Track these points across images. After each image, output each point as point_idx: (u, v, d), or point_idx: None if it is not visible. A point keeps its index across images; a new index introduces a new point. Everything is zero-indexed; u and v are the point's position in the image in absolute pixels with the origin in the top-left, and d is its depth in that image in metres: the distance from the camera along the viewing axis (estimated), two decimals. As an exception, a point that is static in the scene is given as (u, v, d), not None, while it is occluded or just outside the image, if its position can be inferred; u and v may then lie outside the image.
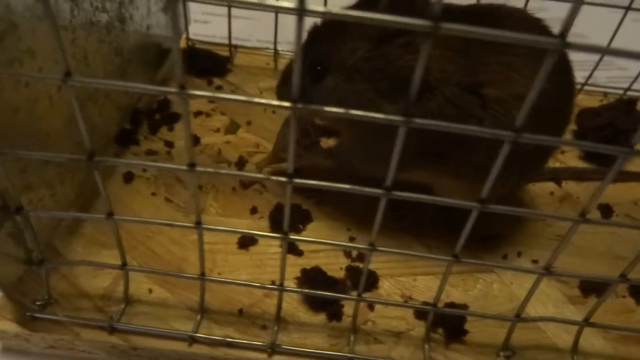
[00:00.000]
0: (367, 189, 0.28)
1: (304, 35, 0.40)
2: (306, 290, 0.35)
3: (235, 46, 0.60)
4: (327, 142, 0.49)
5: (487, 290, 0.40)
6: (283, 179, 0.27)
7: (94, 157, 0.27)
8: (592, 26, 0.52)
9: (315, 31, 0.39)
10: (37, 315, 0.34)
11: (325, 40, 0.38)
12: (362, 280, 0.33)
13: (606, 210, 0.48)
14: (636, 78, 0.58)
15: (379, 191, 0.28)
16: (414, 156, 0.34)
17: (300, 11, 0.21)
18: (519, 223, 0.45)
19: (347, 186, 0.28)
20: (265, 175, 0.28)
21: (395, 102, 0.35)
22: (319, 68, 0.38)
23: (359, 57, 0.35)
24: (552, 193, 0.49)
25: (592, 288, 0.41)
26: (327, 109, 0.24)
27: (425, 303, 0.38)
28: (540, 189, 0.49)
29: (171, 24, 0.21)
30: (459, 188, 0.40)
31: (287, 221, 0.30)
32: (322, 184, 0.28)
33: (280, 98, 0.43)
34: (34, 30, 0.31)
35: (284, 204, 0.43)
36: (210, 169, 0.28)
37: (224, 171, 0.27)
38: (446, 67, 0.35)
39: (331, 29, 0.38)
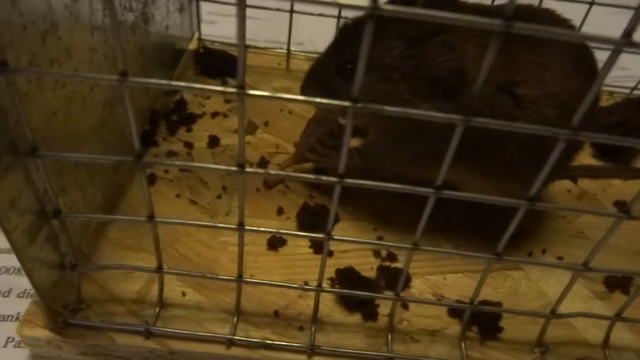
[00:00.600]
0: (418, 189, 0.28)
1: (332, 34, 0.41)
2: (345, 291, 0.34)
3: (247, 46, 0.60)
4: (351, 143, 0.49)
5: (516, 288, 0.40)
6: (333, 179, 0.27)
7: (142, 157, 0.27)
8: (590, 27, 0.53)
9: (345, 30, 0.39)
10: (70, 321, 0.33)
11: (357, 39, 0.38)
12: (402, 278, 0.33)
13: (623, 207, 0.48)
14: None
15: (429, 190, 0.28)
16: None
17: (374, 9, 0.21)
18: (541, 221, 0.46)
19: (397, 185, 0.28)
20: (315, 176, 0.27)
21: (431, 101, 0.35)
22: (348, 66, 0.38)
23: (395, 55, 0.35)
24: (569, 190, 0.50)
25: (617, 283, 0.41)
26: (388, 108, 0.24)
27: (458, 301, 0.38)
28: (558, 187, 0.50)
29: (238, 27, 0.21)
30: (487, 187, 0.40)
31: (331, 220, 0.30)
32: (371, 184, 0.28)
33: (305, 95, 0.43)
34: (71, 30, 0.30)
35: (310, 204, 0.43)
36: (260, 170, 0.27)
37: (273, 172, 0.27)
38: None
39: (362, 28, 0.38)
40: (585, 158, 0.53)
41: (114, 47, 0.36)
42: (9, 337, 0.36)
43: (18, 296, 0.38)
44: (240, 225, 0.30)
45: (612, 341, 0.37)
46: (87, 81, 0.33)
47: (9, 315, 0.37)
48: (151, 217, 0.30)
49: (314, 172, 0.46)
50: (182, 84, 0.24)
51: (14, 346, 0.35)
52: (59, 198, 0.32)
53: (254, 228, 0.31)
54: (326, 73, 0.40)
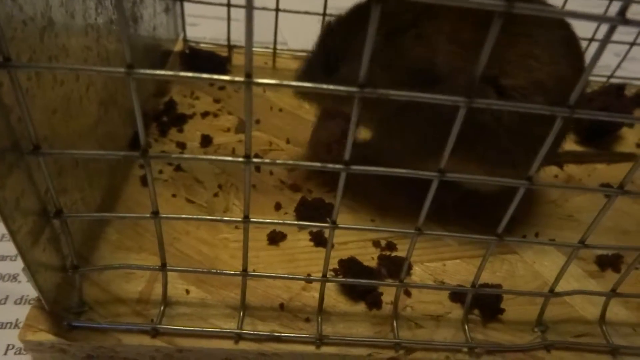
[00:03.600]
0: (421, 172, 0.28)
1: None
2: (351, 280, 0.35)
3: (233, 46, 0.60)
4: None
5: (514, 270, 0.41)
6: (340, 166, 0.27)
7: (147, 151, 0.27)
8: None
9: (329, 28, 0.40)
10: (75, 324, 0.33)
11: (339, 35, 0.39)
12: (405, 264, 0.33)
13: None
14: (619, 65, 0.62)
15: (433, 174, 0.28)
16: (444, 143, 0.35)
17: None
18: (532, 206, 0.47)
19: (402, 170, 0.28)
20: (321, 165, 0.28)
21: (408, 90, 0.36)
22: (333, 60, 0.39)
23: (374, 48, 0.36)
24: (556, 176, 0.51)
25: (608, 262, 0.43)
26: (393, 92, 0.25)
27: (459, 286, 0.39)
28: (545, 173, 0.51)
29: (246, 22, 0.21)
30: (482, 174, 0.41)
31: (337, 209, 0.30)
32: (377, 170, 0.28)
33: (300, 95, 0.43)
34: (67, 27, 0.30)
35: (308, 198, 0.44)
36: (267, 160, 0.28)
37: (280, 162, 0.27)
38: (455, 63, 0.36)
39: (345, 25, 0.39)
40: (569, 145, 0.55)
41: (107, 46, 0.36)
42: (9, 345, 0.35)
43: (15, 303, 0.37)
44: (246, 217, 0.30)
45: (608, 317, 0.38)
46: (83, 80, 0.32)
47: (7, 323, 0.36)
48: (156, 213, 0.30)
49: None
50: (189, 74, 0.24)
51: (15, 353, 0.35)
52: (60, 198, 0.31)
53: (260, 220, 0.31)
54: (315, 71, 0.41)
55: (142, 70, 0.24)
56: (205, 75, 0.24)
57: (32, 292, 0.39)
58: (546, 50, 0.37)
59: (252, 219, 0.30)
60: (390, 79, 0.37)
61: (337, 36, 0.40)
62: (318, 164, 0.28)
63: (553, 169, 0.52)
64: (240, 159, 0.27)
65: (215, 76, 0.24)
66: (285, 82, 0.24)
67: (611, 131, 0.57)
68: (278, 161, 0.28)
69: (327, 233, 0.41)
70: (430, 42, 0.35)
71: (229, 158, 0.27)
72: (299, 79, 0.43)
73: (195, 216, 0.31)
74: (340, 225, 0.31)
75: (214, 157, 0.27)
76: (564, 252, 0.43)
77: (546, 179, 0.51)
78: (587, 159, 0.54)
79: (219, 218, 0.30)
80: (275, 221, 0.31)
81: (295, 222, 0.31)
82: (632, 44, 0.61)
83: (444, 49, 0.35)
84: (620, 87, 0.56)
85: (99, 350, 0.33)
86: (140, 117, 0.25)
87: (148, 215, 0.30)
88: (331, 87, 0.25)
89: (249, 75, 0.24)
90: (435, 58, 0.35)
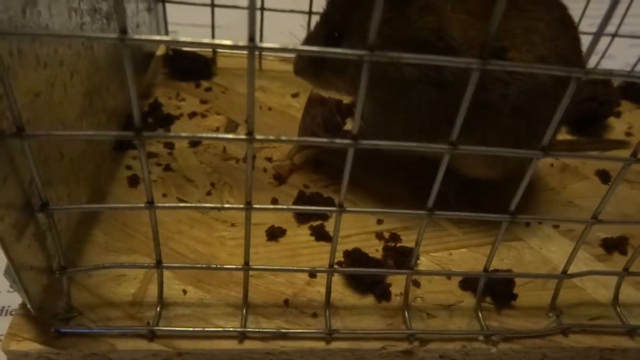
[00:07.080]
0: (433, 145, 0.27)
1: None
2: (359, 269, 0.33)
3: (216, 47, 0.59)
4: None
5: (521, 257, 0.40)
6: (347, 141, 0.26)
7: (142, 132, 0.25)
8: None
9: (333, 1, 0.39)
10: (63, 330, 0.30)
11: (343, 8, 0.38)
12: (416, 250, 0.32)
13: (604, 175, 0.50)
14: (602, 56, 0.62)
15: (444, 146, 0.27)
16: (443, 124, 0.34)
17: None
18: (532, 194, 0.46)
19: (413, 144, 0.27)
20: (328, 140, 0.26)
21: (415, 65, 0.35)
22: (336, 35, 0.38)
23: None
24: (552, 165, 0.51)
25: (614, 245, 0.42)
26: (405, 55, 0.23)
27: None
28: (540, 162, 0.51)
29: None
30: (482, 161, 0.41)
31: (344, 189, 0.28)
32: (388, 144, 0.27)
33: (298, 72, 0.42)
34: (50, 7, 0.28)
35: (306, 193, 0.42)
36: (271, 137, 0.26)
37: (285, 138, 0.26)
38: (468, 32, 0.35)
39: (348, 0, 0.38)
40: (561, 135, 0.55)
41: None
42: (-11, 360, 0.32)
43: (-5, 315, 0.34)
44: (248, 204, 0.29)
45: (620, 300, 0.37)
46: (67, 66, 0.30)
47: (-13, 336, 0.33)
48: (150, 202, 0.28)
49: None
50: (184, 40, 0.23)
51: (-4, 369, 0.31)
52: (45, 191, 0.29)
53: (263, 206, 0.29)
54: (316, 45, 0.39)
55: (136, 36, 0.22)
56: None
57: (12, 302, 0.36)
58: (549, 27, 0.36)
59: (254, 206, 0.29)
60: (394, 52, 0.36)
61: (341, 8, 0.39)
62: (325, 140, 0.26)
63: (548, 159, 0.51)
64: (243, 137, 0.26)
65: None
66: (290, 47, 0.23)
67: (600, 120, 0.57)
68: (283, 137, 0.26)
69: (327, 227, 0.39)
70: (439, 11, 0.34)
71: (231, 136, 0.26)
72: (298, 55, 0.42)
73: (193, 204, 0.29)
74: (349, 209, 0.29)
75: (214, 136, 0.26)
76: (570, 237, 0.42)
77: (543, 169, 0.50)
78: (580, 147, 0.54)
79: (219, 205, 0.28)
80: (279, 207, 0.30)
81: (300, 207, 0.29)
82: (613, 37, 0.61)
83: (457, 18, 0.34)
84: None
85: (91, 358, 0.30)
86: (134, 90, 0.23)
87: (142, 205, 0.28)
88: (338, 50, 0.23)
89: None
90: (445, 27, 0.34)
